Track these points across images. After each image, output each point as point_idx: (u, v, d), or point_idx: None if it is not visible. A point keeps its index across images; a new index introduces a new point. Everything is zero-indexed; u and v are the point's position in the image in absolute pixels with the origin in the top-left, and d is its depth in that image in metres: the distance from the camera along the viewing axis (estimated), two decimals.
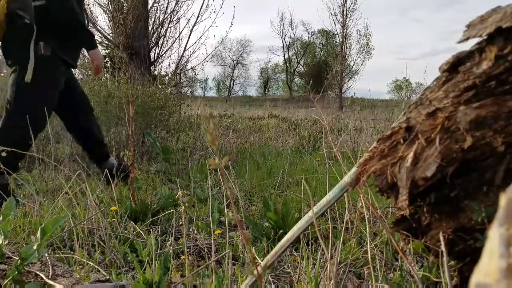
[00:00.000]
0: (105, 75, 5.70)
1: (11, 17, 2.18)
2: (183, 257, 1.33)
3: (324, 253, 1.16)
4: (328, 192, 0.89)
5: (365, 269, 1.20)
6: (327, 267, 1.03)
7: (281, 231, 1.54)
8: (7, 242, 1.27)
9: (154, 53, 7.19)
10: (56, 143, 3.45)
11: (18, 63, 2.25)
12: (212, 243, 1.22)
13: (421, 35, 79.32)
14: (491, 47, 0.66)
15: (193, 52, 7.25)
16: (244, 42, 47.52)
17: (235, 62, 47.26)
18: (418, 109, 0.74)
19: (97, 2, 6.90)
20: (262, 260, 1.07)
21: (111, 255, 1.38)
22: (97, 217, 1.55)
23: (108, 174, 2.16)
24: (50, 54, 2.28)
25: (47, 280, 1.21)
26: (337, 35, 32.68)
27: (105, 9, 6.92)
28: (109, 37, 7.05)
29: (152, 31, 7.08)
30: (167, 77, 6.38)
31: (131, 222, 1.73)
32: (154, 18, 7.11)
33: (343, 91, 29.02)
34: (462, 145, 0.67)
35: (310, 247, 1.32)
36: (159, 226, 1.74)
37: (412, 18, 79.12)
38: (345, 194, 0.94)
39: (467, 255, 0.75)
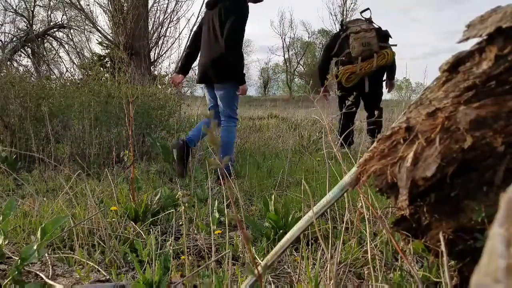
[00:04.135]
0: (105, 75, 5.69)
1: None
2: (183, 257, 1.33)
3: (324, 253, 1.16)
4: (328, 192, 0.89)
5: (365, 269, 1.20)
6: (327, 267, 1.02)
7: (281, 231, 1.54)
8: (7, 242, 1.27)
9: (154, 53, 7.20)
10: (56, 143, 3.45)
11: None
12: (212, 243, 1.22)
13: (422, 35, 79.29)
14: (491, 47, 0.66)
15: None
16: (244, 42, 47.38)
17: None
18: (418, 109, 0.74)
19: (97, 2, 6.90)
20: (262, 260, 1.07)
21: (111, 255, 1.38)
22: (97, 217, 1.55)
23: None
24: None
25: (47, 280, 1.21)
26: None
27: (105, 9, 6.92)
28: (109, 37, 7.05)
29: (152, 31, 7.08)
30: (167, 77, 6.38)
31: (131, 222, 1.73)
32: (154, 18, 7.12)
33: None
34: (462, 145, 0.66)
35: (310, 247, 1.32)
36: (159, 226, 1.74)
37: (412, 18, 79.09)
38: (345, 194, 0.94)
39: (467, 255, 0.75)
